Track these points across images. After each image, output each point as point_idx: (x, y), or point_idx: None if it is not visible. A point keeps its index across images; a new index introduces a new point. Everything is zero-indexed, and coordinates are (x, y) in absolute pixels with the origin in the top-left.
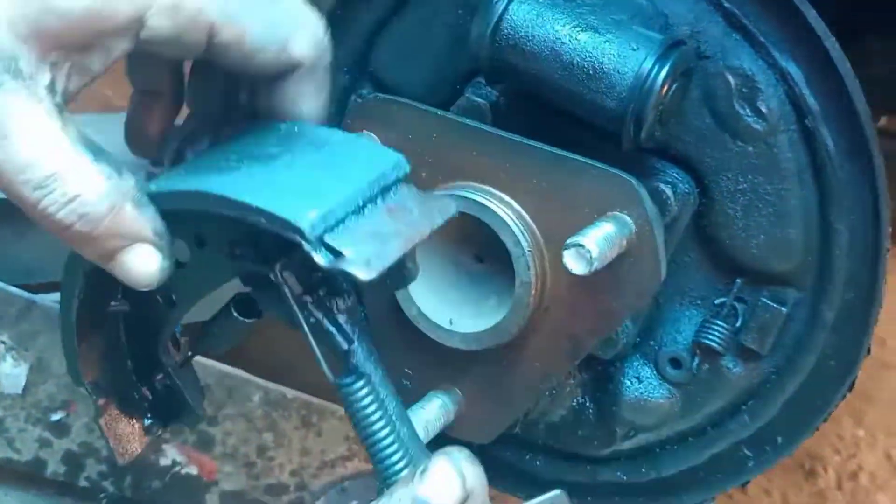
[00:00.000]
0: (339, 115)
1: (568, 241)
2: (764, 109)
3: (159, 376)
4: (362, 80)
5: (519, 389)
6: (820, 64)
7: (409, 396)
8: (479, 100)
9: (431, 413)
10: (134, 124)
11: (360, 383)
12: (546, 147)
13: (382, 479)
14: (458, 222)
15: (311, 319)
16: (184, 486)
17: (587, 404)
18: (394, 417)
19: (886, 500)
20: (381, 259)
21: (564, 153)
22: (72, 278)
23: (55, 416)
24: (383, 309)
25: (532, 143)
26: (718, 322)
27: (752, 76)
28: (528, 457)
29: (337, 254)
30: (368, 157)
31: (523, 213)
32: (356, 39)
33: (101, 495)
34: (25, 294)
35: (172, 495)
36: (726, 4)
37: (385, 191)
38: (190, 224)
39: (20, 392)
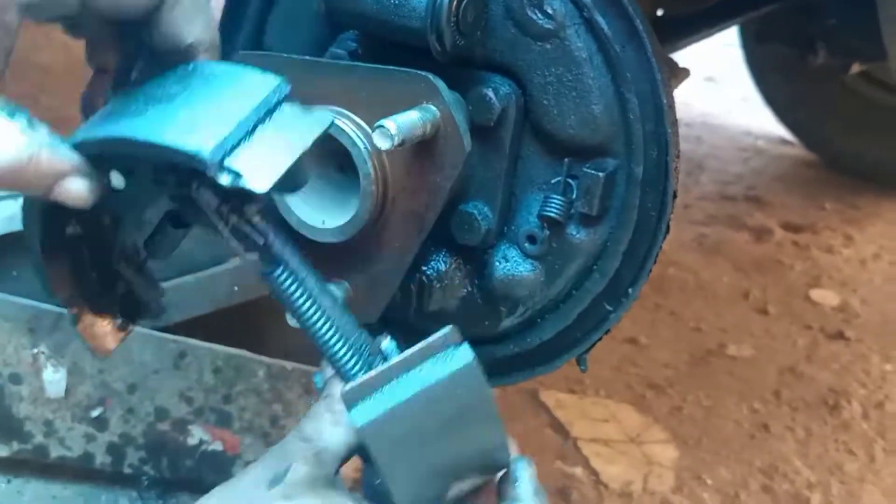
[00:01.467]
0: None
1: (374, 125)
2: (550, 11)
3: (121, 283)
4: None
5: (388, 268)
6: None
7: None
8: (340, 51)
9: None
10: (86, 99)
11: (281, 269)
12: (364, 64)
13: (327, 357)
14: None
15: (229, 225)
16: (213, 461)
17: (473, 291)
18: (319, 296)
19: None
20: (273, 172)
21: (378, 66)
22: (29, 212)
23: (94, 413)
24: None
25: (354, 63)
26: (555, 196)
27: None
28: None
29: (236, 174)
30: (254, 84)
31: (358, 120)
32: (249, 24)
33: (144, 478)
34: (55, 307)
35: (204, 471)
36: None
37: (270, 112)
38: (117, 160)
39: (63, 395)
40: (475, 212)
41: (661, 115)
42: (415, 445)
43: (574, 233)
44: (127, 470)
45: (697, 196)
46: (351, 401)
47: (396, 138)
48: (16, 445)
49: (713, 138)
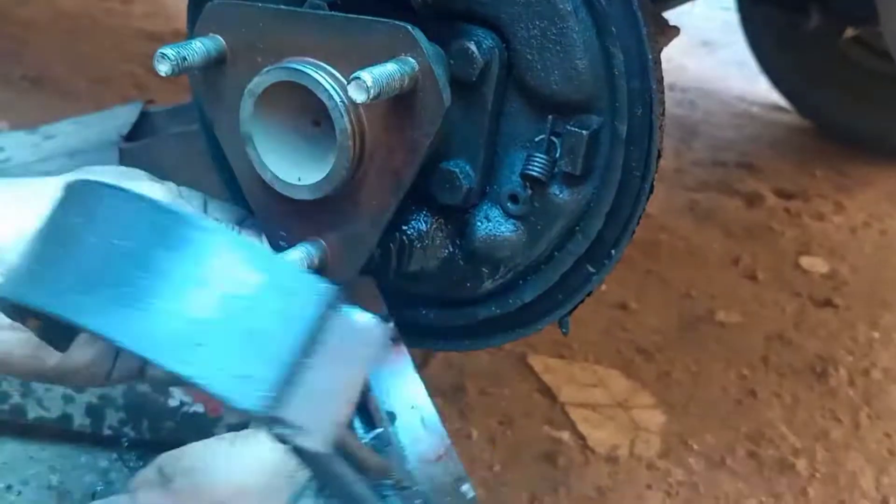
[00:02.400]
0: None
1: (350, 77)
2: None
3: None
4: None
5: (364, 227)
6: None
7: None
8: (319, 0)
9: (294, 256)
10: None
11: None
12: (341, 15)
13: None
14: (293, 93)
15: None
16: (194, 423)
17: (455, 251)
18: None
19: None
20: (332, 421)
21: (353, 16)
22: None
23: None
24: (253, 182)
25: (331, 13)
26: (539, 154)
27: None
28: (423, 312)
29: (290, 427)
30: (294, 289)
31: (335, 73)
32: None
33: (124, 440)
34: None
35: (185, 433)
36: None
37: (319, 334)
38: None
39: None
40: (456, 170)
41: (646, 72)
42: None
43: (557, 192)
44: (106, 431)
45: (690, 161)
46: None
47: (372, 90)
48: None
49: (707, 103)
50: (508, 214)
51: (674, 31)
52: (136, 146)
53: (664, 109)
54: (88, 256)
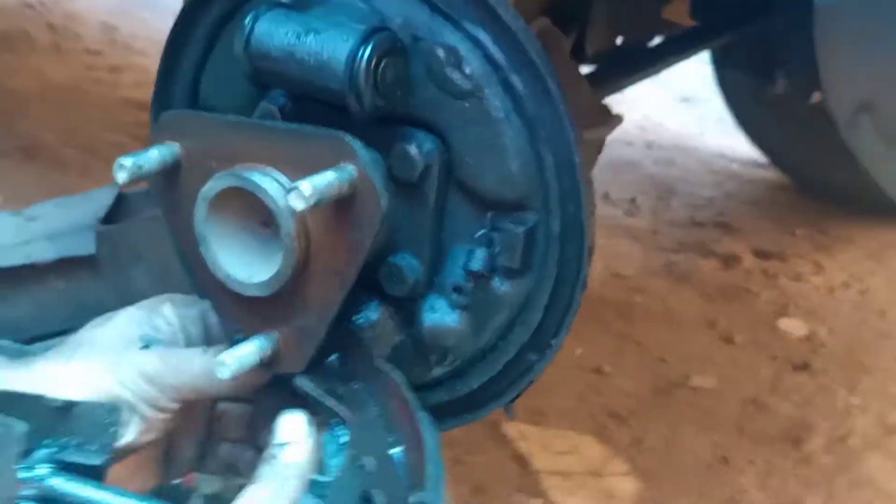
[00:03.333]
0: None
1: (289, 187)
2: (468, 71)
3: None
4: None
5: (313, 320)
6: (500, 27)
7: None
8: (272, 105)
9: (245, 350)
10: None
11: None
12: (286, 124)
13: None
14: (243, 196)
15: None
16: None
17: (405, 339)
18: None
19: (879, 458)
20: None
21: (297, 126)
22: None
23: None
24: (209, 279)
25: (278, 123)
26: (480, 249)
27: (455, 47)
28: None
29: None
30: None
31: (281, 179)
32: (185, 78)
33: None
34: None
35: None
36: None
37: None
38: None
39: None
40: (403, 263)
41: (574, 171)
42: None
43: (498, 285)
44: None
45: (667, 221)
46: None
47: (311, 199)
48: None
49: (686, 161)
50: (453, 305)
51: (616, 119)
52: (112, 229)
53: (594, 208)
54: None
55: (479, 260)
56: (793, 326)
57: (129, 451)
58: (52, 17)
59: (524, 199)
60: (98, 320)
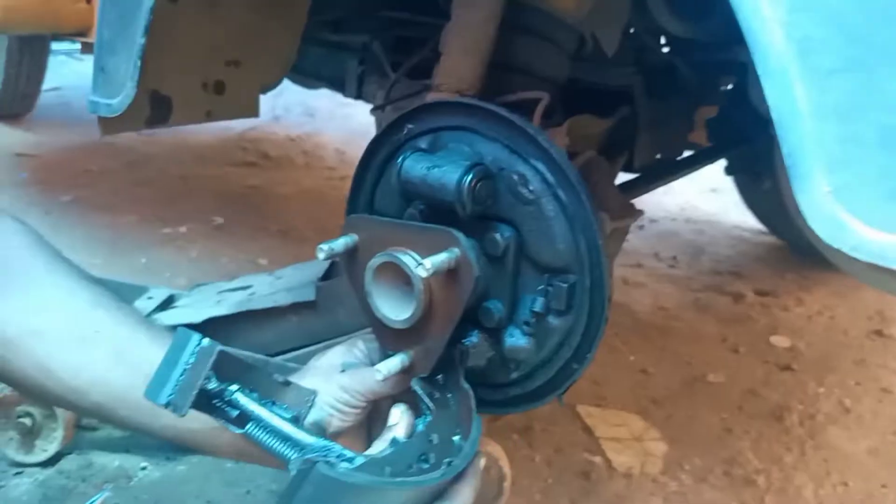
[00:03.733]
0: None
1: (419, 262)
2: (531, 188)
3: None
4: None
5: (434, 343)
6: (551, 160)
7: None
8: (414, 211)
9: (393, 361)
10: None
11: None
12: (420, 224)
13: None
14: (394, 267)
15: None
16: None
17: (495, 355)
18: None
19: (837, 429)
20: None
21: (427, 224)
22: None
23: None
24: (374, 318)
25: (416, 223)
26: (540, 297)
27: (524, 173)
28: (478, 391)
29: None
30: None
31: (416, 257)
32: (365, 193)
33: None
34: None
35: None
36: (508, 143)
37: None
38: None
39: None
40: (492, 307)
41: (598, 250)
42: None
43: (552, 320)
44: None
45: (696, 271)
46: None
47: (431, 270)
48: None
49: (712, 231)
50: (524, 333)
51: (638, 212)
52: (326, 284)
53: (612, 270)
54: None
55: (539, 304)
56: (780, 341)
57: (339, 433)
58: (305, 146)
59: (567, 266)
60: (319, 353)
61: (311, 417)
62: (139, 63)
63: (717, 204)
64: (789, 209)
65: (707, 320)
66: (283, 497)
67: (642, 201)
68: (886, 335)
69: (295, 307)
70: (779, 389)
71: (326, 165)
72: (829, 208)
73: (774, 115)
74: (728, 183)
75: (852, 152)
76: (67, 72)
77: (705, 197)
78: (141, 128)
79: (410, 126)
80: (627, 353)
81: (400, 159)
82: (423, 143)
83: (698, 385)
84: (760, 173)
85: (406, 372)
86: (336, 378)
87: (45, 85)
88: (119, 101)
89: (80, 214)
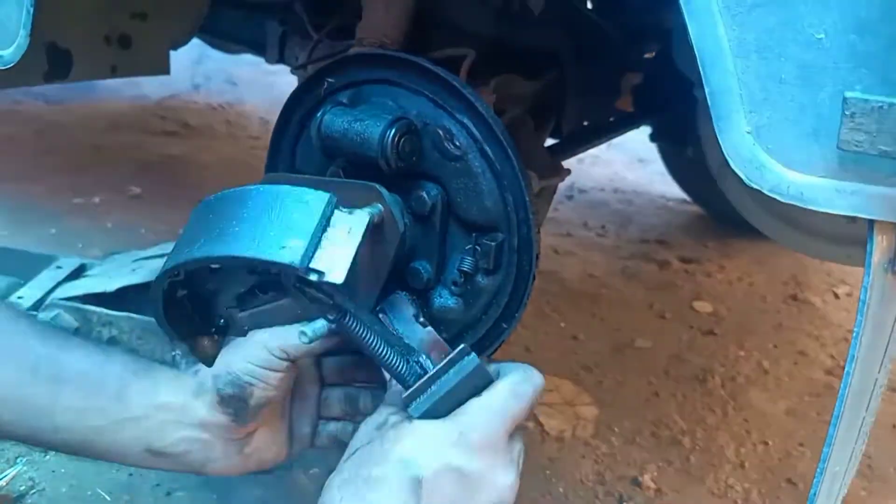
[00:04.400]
0: None
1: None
2: (458, 143)
3: (218, 318)
4: None
5: (364, 301)
6: (478, 115)
7: None
8: (336, 168)
9: (319, 322)
10: None
11: (348, 317)
12: (342, 179)
13: (388, 371)
14: None
15: (307, 295)
16: None
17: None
18: (377, 330)
19: (757, 390)
20: (343, 266)
21: (349, 180)
22: (156, 284)
23: None
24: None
25: (338, 179)
26: (468, 257)
27: (449, 128)
28: None
29: (320, 273)
30: (312, 201)
31: None
32: (285, 152)
33: None
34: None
35: None
36: (433, 97)
37: (328, 220)
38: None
39: None
40: (420, 267)
41: (526, 207)
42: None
43: (481, 280)
44: None
45: (625, 240)
46: (408, 401)
47: None
48: None
49: (639, 201)
50: (452, 293)
51: (565, 172)
52: None
53: (539, 229)
54: (210, 226)
55: (467, 263)
56: (703, 306)
57: (261, 406)
58: (228, 115)
59: (495, 224)
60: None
61: (228, 390)
62: (31, 10)
63: (644, 174)
64: (712, 173)
65: (635, 287)
66: (430, 378)
67: (573, 173)
68: (801, 300)
69: None
70: (702, 353)
71: (250, 135)
72: (749, 149)
73: (698, 54)
74: (655, 154)
75: (772, 90)
76: None
77: (633, 168)
78: (39, 82)
79: (331, 80)
80: (558, 320)
81: (320, 114)
82: (344, 98)
83: (627, 350)
84: (684, 140)
85: (333, 334)
86: (255, 336)
87: None
88: (11, 52)
89: None
